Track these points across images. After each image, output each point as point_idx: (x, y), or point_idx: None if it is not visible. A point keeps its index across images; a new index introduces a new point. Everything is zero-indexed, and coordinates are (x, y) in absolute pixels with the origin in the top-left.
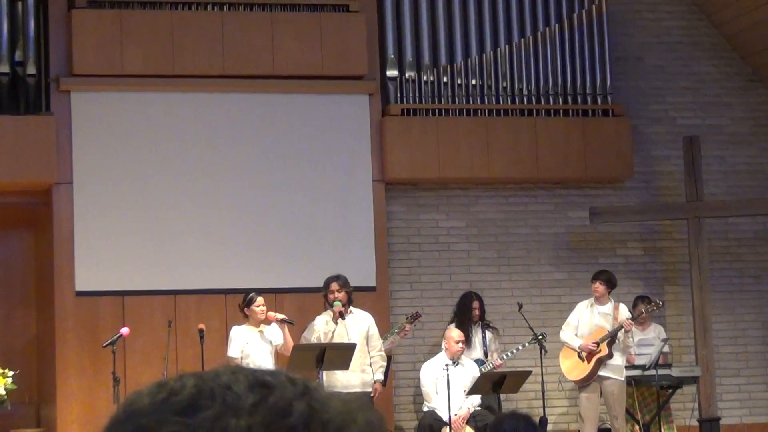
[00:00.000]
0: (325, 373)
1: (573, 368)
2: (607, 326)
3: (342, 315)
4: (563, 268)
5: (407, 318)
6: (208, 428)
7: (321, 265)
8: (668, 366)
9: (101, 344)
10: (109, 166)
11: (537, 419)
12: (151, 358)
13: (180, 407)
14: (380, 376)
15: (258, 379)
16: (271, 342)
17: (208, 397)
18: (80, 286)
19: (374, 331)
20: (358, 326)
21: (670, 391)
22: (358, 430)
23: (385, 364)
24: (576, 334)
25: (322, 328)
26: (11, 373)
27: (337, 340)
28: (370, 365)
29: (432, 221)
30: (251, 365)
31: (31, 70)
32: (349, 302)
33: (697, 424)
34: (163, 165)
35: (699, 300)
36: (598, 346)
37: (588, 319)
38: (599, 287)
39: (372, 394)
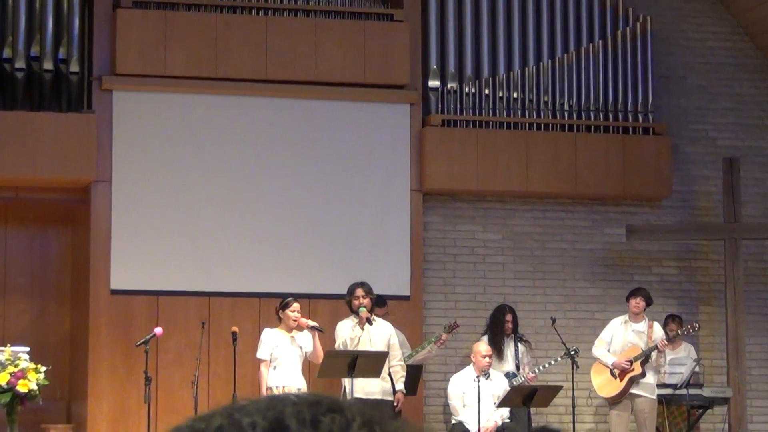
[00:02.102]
0: (346, 380)
1: (605, 385)
2: (641, 344)
3: (369, 321)
4: (598, 285)
5: (445, 328)
6: None
7: (355, 273)
8: (699, 386)
9: (134, 343)
10: (148, 166)
11: None
12: (183, 358)
13: None
14: (401, 386)
15: (279, 422)
16: (301, 347)
17: None
18: (115, 284)
19: (395, 340)
20: (380, 335)
21: (701, 411)
22: None
23: (404, 373)
24: (608, 351)
25: (348, 334)
26: (44, 368)
27: (360, 347)
28: (389, 374)
29: (468, 233)
30: (278, 368)
31: (74, 68)
32: (371, 310)
33: None
34: (201, 167)
35: (733, 321)
36: (631, 365)
37: (622, 336)
38: (641, 303)
39: (396, 404)
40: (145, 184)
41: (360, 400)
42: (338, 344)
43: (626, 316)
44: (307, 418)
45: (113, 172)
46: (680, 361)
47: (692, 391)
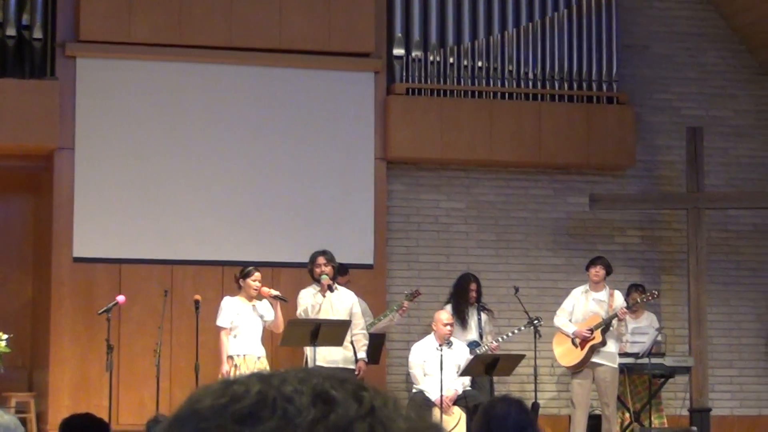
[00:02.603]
0: (308, 348)
1: (566, 354)
2: (602, 313)
3: (330, 288)
4: (561, 254)
5: (407, 296)
6: None
7: (319, 241)
8: (661, 355)
9: (96, 311)
10: (111, 134)
11: (529, 404)
12: (145, 326)
13: (240, 415)
14: (363, 355)
15: (323, 393)
16: (261, 316)
17: (270, 407)
18: (78, 252)
19: (357, 309)
20: (342, 303)
21: (662, 380)
22: None
23: (367, 342)
24: (570, 320)
25: (310, 301)
26: (5, 336)
27: (322, 315)
28: (352, 343)
29: (432, 201)
30: (239, 336)
31: (37, 34)
32: (333, 278)
33: (687, 414)
34: (165, 134)
35: (695, 290)
36: (592, 333)
37: (583, 305)
38: (600, 271)
39: (357, 372)
40: (109, 151)
41: (322, 368)
42: (299, 312)
43: (587, 286)
44: (349, 391)
45: (76, 139)
46: (642, 331)
47: (654, 360)
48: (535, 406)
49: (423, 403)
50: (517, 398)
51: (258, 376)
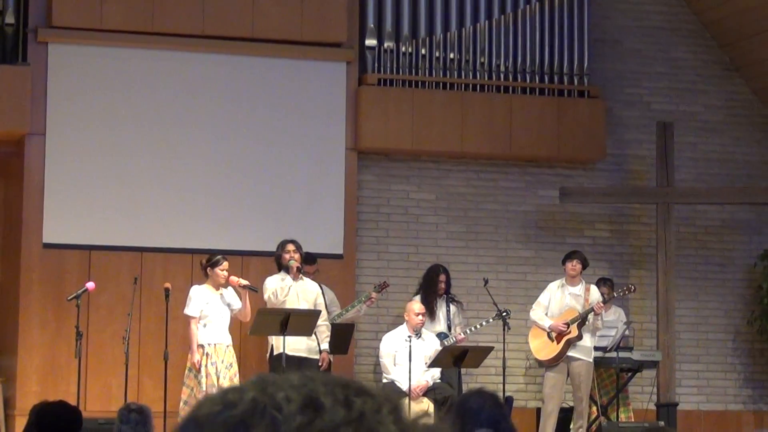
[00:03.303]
0: (273, 337)
1: (542, 348)
2: (578, 307)
3: (299, 270)
4: (530, 246)
5: (375, 287)
6: None
7: (289, 231)
8: (629, 349)
9: (65, 297)
10: (82, 120)
11: (503, 397)
12: (115, 314)
13: (232, 423)
14: (326, 346)
15: (313, 399)
16: (229, 305)
17: (259, 414)
18: (48, 238)
19: (321, 300)
20: (307, 293)
21: (630, 374)
22: None
23: (329, 333)
24: (546, 314)
25: (277, 284)
26: None
27: (289, 305)
28: (315, 334)
29: (402, 192)
30: (208, 326)
31: (9, 19)
32: (299, 268)
33: (654, 408)
34: (136, 122)
35: (663, 285)
36: (568, 327)
37: (559, 299)
38: (577, 266)
39: (320, 363)
40: (80, 137)
41: (285, 357)
42: (268, 295)
43: (563, 280)
44: (340, 397)
45: (47, 125)
46: (610, 324)
47: (621, 354)
48: (509, 400)
49: (393, 393)
50: (491, 392)
51: (256, 383)
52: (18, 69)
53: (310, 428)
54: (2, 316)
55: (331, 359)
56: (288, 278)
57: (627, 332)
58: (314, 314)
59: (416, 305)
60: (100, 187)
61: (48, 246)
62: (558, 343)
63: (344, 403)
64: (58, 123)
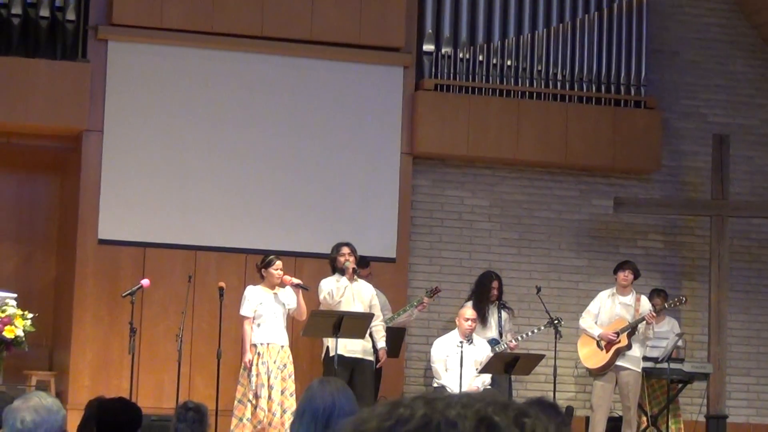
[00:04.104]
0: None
1: (591, 356)
2: (628, 317)
3: (355, 271)
4: (583, 255)
5: (427, 292)
6: None
7: (343, 233)
8: (680, 360)
9: (119, 293)
10: (140, 118)
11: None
12: (168, 311)
13: None
14: (383, 344)
15: (486, 418)
16: (284, 305)
17: (434, 431)
18: (103, 234)
19: (376, 301)
20: (362, 295)
21: (681, 385)
22: None
23: (385, 332)
24: (596, 323)
25: (333, 285)
26: (30, 315)
27: (344, 306)
28: (370, 335)
29: (456, 198)
30: (262, 325)
31: (70, 15)
32: (354, 270)
33: (704, 420)
34: (193, 121)
35: (716, 297)
36: (618, 337)
37: (609, 308)
38: (629, 275)
39: (380, 359)
40: (137, 135)
41: (340, 357)
42: (324, 296)
43: (614, 289)
44: (511, 417)
45: (105, 122)
46: (662, 335)
47: (673, 366)
48: (569, 410)
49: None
50: (551, 402)
51: (423, 400)
52: (77, 65)
53: None
54: (57, 310)
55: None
56: (343, 279)
57: (680, 344)
58: (367, 317)
59: (468, 311)
60: (156, 184)
61: (103, 242)
62: (607, 351)
63: (516, 423)
64: (115, 120)
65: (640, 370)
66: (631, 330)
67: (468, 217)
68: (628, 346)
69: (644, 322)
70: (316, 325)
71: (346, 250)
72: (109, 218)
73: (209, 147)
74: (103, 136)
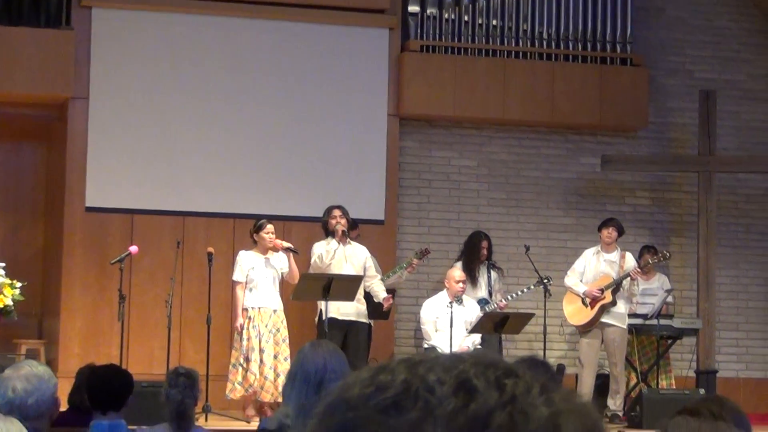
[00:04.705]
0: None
1: (576, 313)
2: (613, 274)
3: (345, 234)
4: (571, 213)
5: (416, 253)
6: None
7: (330, 196)
8: (670, 317)
9: (108, 261)
10: (125, 84)
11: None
12: (157, 277)
13: (384, 405)
14: (385, 294)
15: (465, 382)
16: (276, 269)
17: (412, 397)
18: (90, 201)
19: (371, 263)
20: (355, 257)
21: (670, 341)
22: None
23: (384, 287)
24: (581, 281)
25: (323, 248)
26: (19, 284)
27: (335, 268)
28: (370, 293)
29: (444, 159)
30: (254, 290)
31: None
32: (344, 233)
33: (694, 375)
34: (179, 86)
35: (704, 253)
36: (602, 293)
37: (594, 266)
38: (613, 233)
39: (386, 305)
40: (123, 102)
41: (334, 320)
42: (314, 259)
43: (598, 247)
44: (491, 379)
45: (91, 89)
46: (652, 292)
47: (662, 322)
48: (561, 367)
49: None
50: (542, 360)
51: (406, 364)
52: (61, 33)
53: (465, 412)
54: (45, 279)
55: (372, 324)
56: (333, 242)
57: (668, 300)
58: (357, 279)
59: (457, 272)
60: (143, 151)
61: (90, 210)
62: (592, 308)
63: (496, 385)
64: (101, 87)
65: (625, 327)
66: (616, 286)
67: (456, 178)
68: (613, 303)
69: (629, 278)
70: (306, 288)
71: (337, 212)
72: (96, 186)
73: (196, 112)
74: (89, 103)
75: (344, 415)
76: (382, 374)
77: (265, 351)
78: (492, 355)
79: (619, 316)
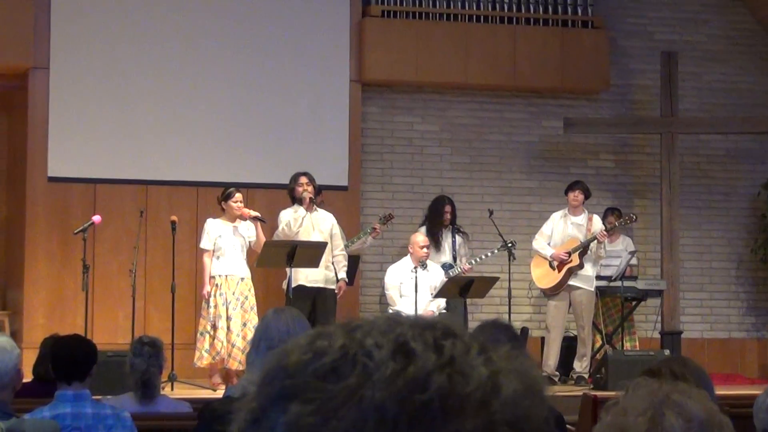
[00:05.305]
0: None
1: (543, 276)
2: (580, 237)
3: (312, 201)
4: (534, 177)
5: (380, 219)
6: (345, 398)
7: (294, 163)
8: (634, 278)
9: (71, 231)
10: (86, 53)
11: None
12: (121, 247)
13: (322, 372)
14: (344, 275)
15: (403, 345)
16: (244, 237)
17: (350, 362)
18: (53, 172)
19: (337, 230)
20: (322, 224)
21: (634, 303)
22: (503, 404)
23: (346, 263)
24: (549, 244)
25: (290, 216)
26: None
27: (303, 236)
28: (333, 263)
29: (406, 124)
30: (222, 258)
31: None
32: (311, 200)
33: (658, 336)
34: (141, 54)
35: (667, 214)
36: (569, 256)
37: (561, 229)
38: (579, 196)
39: (336, 292)
40: (84, 71)
41: (303, 288)
42: (282, 227)
43: (565, 210)
44: (429, 341)
45: (51, 58)
46: (616, 254)
47: (626, 284)
48: (524, 331)
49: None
50: (506, 323)
51: (344, 329)
52: (21, 2)
53: (403, 375)
54: (8, 250)
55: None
56: (301, 210)
57: (632, 261)
58: (321, 246)
59: (420, 237)
60: (105, 120)
61: (53, 180)
62: (559, 271)
63: (434, 347)
64: (62, 56)
65: (593, 289)
66: (583, 249)
67: (418, 143)
68: (581, 266)
69: (596, 241)
70: (270, 255)
71: (303, 179)
72: (58, 156)
73: (158, 81)
74: (49, 72)
75: (283, 383)
76: (319, 340)
77: (232, 319)
78: (435, 318)
79: (586, 279)
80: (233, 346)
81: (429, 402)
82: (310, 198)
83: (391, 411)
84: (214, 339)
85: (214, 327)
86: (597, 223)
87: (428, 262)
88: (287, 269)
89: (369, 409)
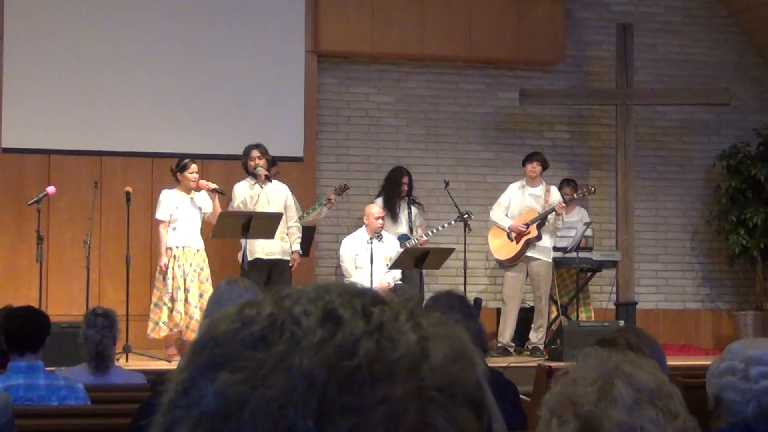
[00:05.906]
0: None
1: (501, 248)
2: (538, 208)
3: (268, 178)
4: (490, 148)
5: (335, 190)
6: (274, 366)
7: (249, 134)
8: (589, 249)
9: (25, 202)
10: (40, 23)
11: (473, 299)
12: (75, 218)
13: (251, 340)
14: (297, 247)
15: (332, 312)
16: (200, 208)
17: (279, 330)
18: (6, 142)
19: (291, 201)
20: (277, 196)
21: (590, 274)
22: (432, 369)
23: (300, 235)
24: (506, 215)
25: (247, 192)
26: None
27: (260, 207)
28: (287, 235)
29: (362, 95)
30: (178, 229)
31: None
32: (267, 177)
33: (614, 307)
34: (95, 24)
35: (623, 186)
36: (527, 228)
37: (519, 200)
38: (537, 167)
39: (291, 264)
40: (38, 41)
41: (259, 260)
42: (237, 204)
43: (523, 181)
44: (357, 308)
45: (5, 28)
46: (571, 225)
47: (582, 255)
48: (478, 301)
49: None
50: (459, 293)
51: (272, 298)
52: None
53: (331, 342)
54: None
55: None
56: (257, 186)
57: (587, 233)
58: (276, 217)
59: (375, 208)
60: (59, 91)
61: (6, 150)
62: (517, 243)
63: (362, 314)
64: (15, 26)
65: (550, 261)
66: (541, 221)
67: (374, 114)
68: (538, 237)
69: (554, 212)
70: (225, 226)
71: (255, 153)
72: (11, 126)
73: (111, 51)
74: (2, 43)
75: (212, 352)
76: (248, 309)
77: (190, 290)
78: (362, 286)
79: (544, 250)
80: (191, 318)
81: (357, 368)
82: (266, 175)
83: (319, 378)
84: (172, 311)
85: (173, 299)
86: (555, 195)
87: (383, 233)
88: (242, 241)
89: (297, 376)
